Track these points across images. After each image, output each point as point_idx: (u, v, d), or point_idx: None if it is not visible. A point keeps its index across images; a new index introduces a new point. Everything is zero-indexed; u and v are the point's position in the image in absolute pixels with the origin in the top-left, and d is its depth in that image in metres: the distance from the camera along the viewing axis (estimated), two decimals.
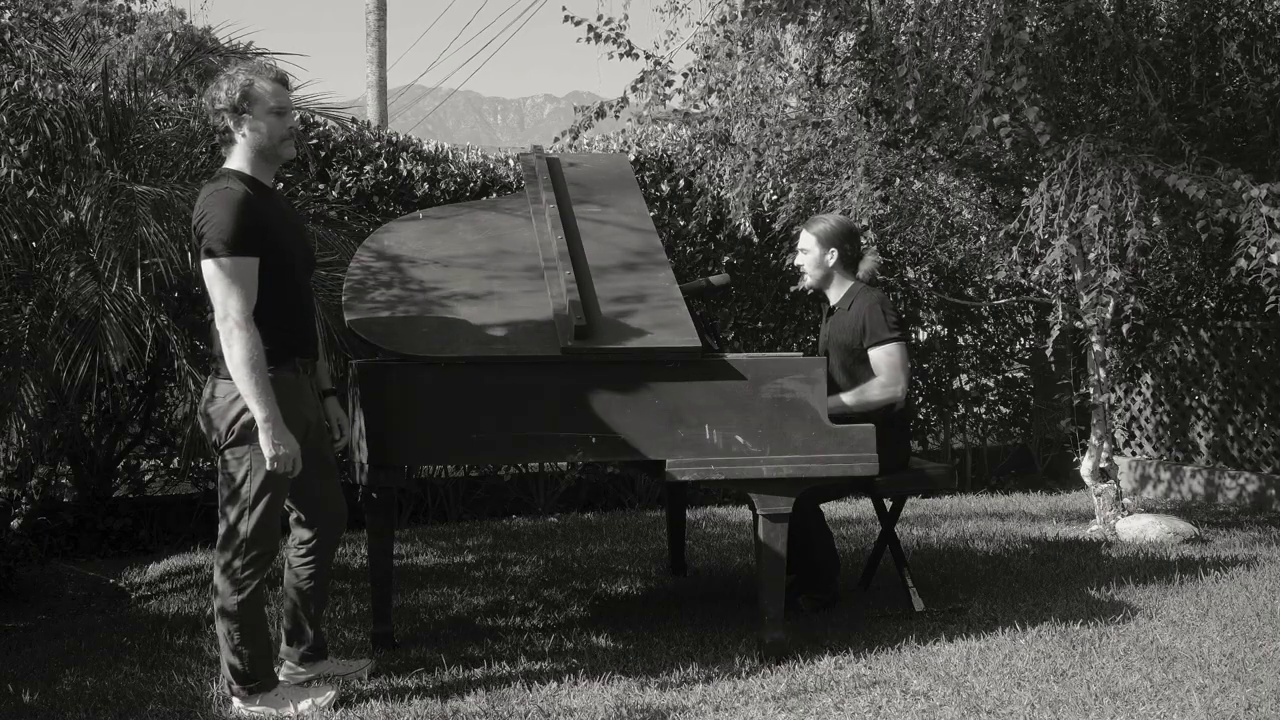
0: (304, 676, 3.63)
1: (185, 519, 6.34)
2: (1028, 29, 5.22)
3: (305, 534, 3.61)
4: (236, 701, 3.39)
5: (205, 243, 3.25)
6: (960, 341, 8.17)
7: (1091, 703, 3.31)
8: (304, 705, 3.37)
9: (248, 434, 3.28)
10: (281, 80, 3.44)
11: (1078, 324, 6.15)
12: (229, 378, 3.25)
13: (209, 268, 3.24)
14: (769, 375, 3.76)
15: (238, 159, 3.40)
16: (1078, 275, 5.76)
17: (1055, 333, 5.90)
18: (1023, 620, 4.14)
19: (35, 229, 4.58)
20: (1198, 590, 4.57)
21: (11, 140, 4.72)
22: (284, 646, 3.69)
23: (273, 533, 3.37)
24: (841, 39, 5.80)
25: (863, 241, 4.90)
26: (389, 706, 3.40)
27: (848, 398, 4.23)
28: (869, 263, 4.61)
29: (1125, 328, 6.55)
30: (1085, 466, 6.15)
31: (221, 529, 3.35)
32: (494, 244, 4.24)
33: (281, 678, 3.59)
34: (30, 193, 4.68)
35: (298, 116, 6.12)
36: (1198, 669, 3.58)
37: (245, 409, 3.25)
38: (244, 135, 3.36)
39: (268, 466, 3.23)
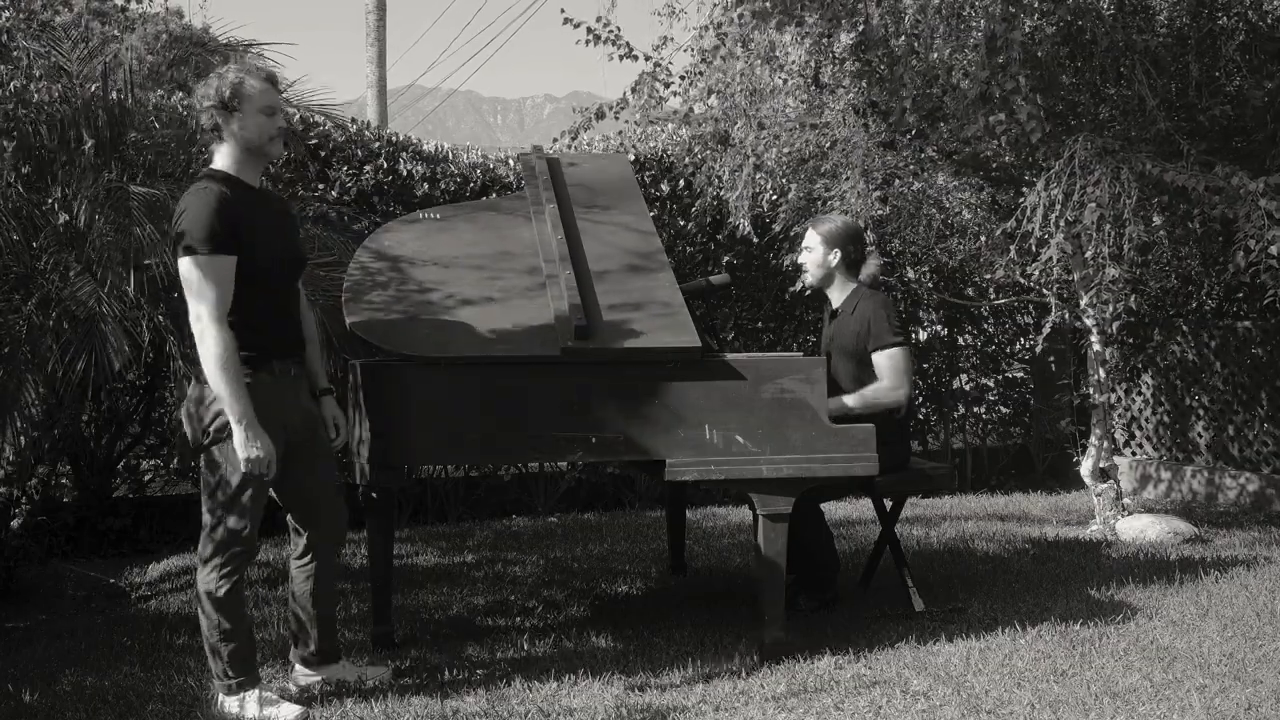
0: (313, 679, 3.63)
1: (185, 519, 6.33)
2: (1026, 29, 5.21)
3: (301, 538, 3.62)
4: (220, 695, 3.40)
5: (181, 240, 3.25)
6: (960, 341, 8.16)
7: (1091, 703, 3.31)
8: (267, 711, 3.35)
9: (226, 434, 3.27)
10: (271, 80, 3.44)
11: (1077, 324, 6.14)
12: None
13: (184, 265, 3.24)
14: (769, 375, 3.76)
15: (222, 158, 3.40)
16: (1076, 275, 5.76)
17: (1047, 329, 5.90)
18: (1023, 620, 4.14)
19: (33, 229, 4.57)
20: (1198, 590, 4.57)
21: (5, 142, 4.71)
22: (292, 650, 3.69)
23: (251, 532, 3.37)
24: (839, 39, 5.79)
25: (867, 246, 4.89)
26: (389, 706, 3.40)
27: (850, 400, 4.22)
28: (872, 266, 4.60)
29: (1116, 325, 6.55)
30: (1085, 466, 6.15)
31: (203, 527, 3.37)
32: (494, 244, 4.24)
33: (302, 681, 3.62)
34: (15, 191, 4.66)
35: (297, 116, 6.12)
36: (1198, 669, 3.59)
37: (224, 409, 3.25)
38: (232, 133, 3.36)
39: (243, 468, 3.24)
